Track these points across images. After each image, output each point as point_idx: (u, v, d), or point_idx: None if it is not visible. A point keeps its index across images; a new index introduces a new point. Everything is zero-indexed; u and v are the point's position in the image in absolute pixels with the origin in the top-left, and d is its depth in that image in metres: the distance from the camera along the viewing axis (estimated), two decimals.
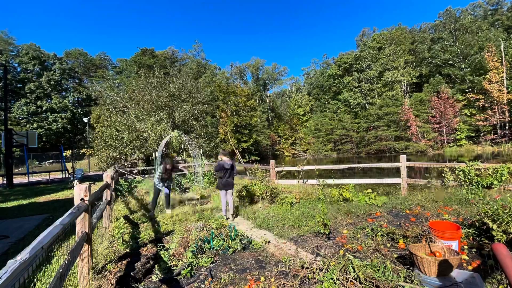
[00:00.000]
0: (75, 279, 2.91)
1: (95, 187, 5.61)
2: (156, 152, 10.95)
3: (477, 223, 3.63)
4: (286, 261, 3.33)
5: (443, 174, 6.30)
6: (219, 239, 4.18)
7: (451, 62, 45.44)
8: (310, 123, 57.22)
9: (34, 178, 19.75)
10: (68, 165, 21.60)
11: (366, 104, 51.50)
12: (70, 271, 2.42)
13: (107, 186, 5.59)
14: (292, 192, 7.45)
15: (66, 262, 2.20)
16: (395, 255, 3.26)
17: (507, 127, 38.10)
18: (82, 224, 2.89)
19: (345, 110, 54.11)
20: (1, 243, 4.89)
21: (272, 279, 2.91)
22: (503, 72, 37.49)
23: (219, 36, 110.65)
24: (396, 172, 8.02)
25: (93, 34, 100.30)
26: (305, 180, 8.11)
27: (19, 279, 1.29)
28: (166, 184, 6.83)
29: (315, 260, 3.31)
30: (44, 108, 44.65)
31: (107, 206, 5.43)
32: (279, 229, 4.84)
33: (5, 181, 15.71)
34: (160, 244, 4.17)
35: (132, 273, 3.16)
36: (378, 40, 50.95)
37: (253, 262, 3.54)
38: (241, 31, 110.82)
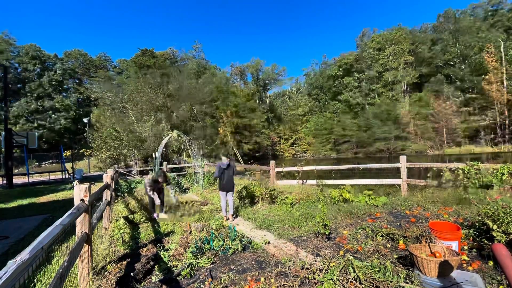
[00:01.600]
0: (75, 279, 2.91)
1: (95, 187, 5.59)
2: (156, 153, 10.95)
3: (477, 224, 3.62)
4: (286, 262, 3.32)
5: (443, 174, 6.30)
6: (219, 240, 4.17)
7: (451, 62, 45.46)
8: (310, 124, 57.23)
9: (34, 178, 19.72)
10: (68, 165, 21.56)
11: (366, 104, 51.49)
12: (70, 271, 2.42)
13: (107, 186, 5.58)
14: (292, 193, 7.45)
15: (66, 262, 2.20)
16: (395, 256, 3.26)
17: (506, 127, 38.11)
18: (82, 225, 2.89)
19: (345, 110, 54.09)
20: (1, 243, 4.89)
21: (272, 280, 2.91)
22: (502, 73, 37.53)
23: (219, 36, 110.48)
24: (396, 173, 8.01)
25: (93, 34, 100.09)
26: (304, 180, 8.11)
27: (19, 279, 1.29)
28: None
29: (315, 261, 3.31)
30: (44, 108, 44.66)
31: (107, 206, 5.42)
32: (279, 230, 4.84)
33: (5, 182, 15.70)
34: (160, 245, 4.16)
35: (132, 274, 3.16)
36: (378, 41, 51.00)
37: (253, 262, 3.54)
38: (241, 32, 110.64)
